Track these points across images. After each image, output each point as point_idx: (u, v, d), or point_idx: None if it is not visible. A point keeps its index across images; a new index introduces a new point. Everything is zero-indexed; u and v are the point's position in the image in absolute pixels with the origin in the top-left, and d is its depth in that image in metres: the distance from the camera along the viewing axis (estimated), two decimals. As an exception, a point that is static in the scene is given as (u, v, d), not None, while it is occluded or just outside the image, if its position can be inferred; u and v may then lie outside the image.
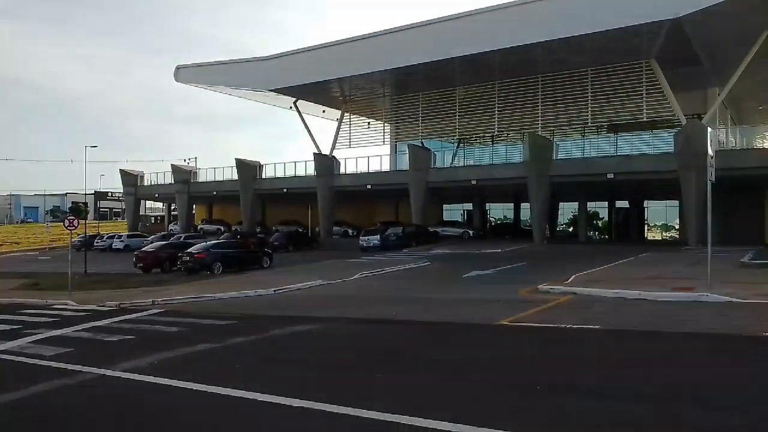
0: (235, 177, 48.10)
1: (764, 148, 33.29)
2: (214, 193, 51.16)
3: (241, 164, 47.74)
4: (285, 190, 46.05)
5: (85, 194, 50.75)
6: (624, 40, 29.84)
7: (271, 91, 42.94)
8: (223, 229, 49.42)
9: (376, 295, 16.27)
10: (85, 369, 8.12)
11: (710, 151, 13.87)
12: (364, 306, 14.18)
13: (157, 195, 59.07)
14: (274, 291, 17.97)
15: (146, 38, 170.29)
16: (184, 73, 46.17)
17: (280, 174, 47.49)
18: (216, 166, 53.89)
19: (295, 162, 46.89)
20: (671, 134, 31.68)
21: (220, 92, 48.52)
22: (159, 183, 55.65)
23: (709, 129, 18.36)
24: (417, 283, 18.90)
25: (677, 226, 41.29)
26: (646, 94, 32.52)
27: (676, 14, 26.41)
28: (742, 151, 31.27)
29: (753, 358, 7.69)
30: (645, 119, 33.39)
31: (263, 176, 48.21)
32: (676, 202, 36.39)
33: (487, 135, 42.19)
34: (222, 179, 50.46)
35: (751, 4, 25.46)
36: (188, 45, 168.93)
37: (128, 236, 47.23)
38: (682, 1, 26.25)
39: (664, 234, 46.81)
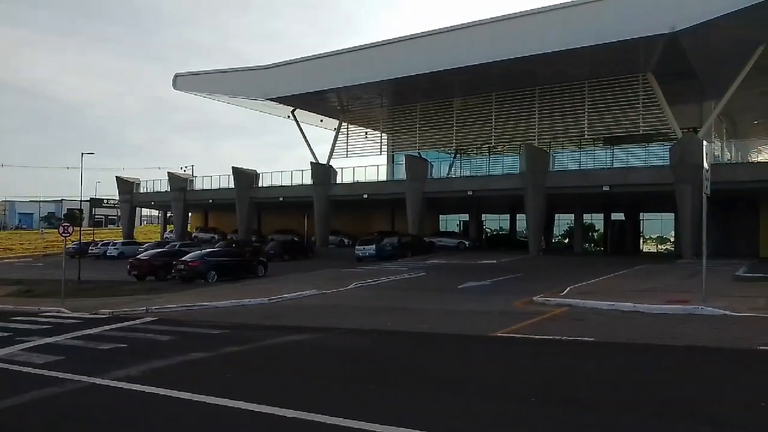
0: (232, 185, 48.06)
1: (759, 161, 33.52)
2: (210, 201, 51.11)
3: (237, 172, 47.71)
4: (281, 199, 46.03)
5: (81, 201, 50.47)
6: (621, 54, 30.03)
7: (269, 100, 43.00)
8: (217, 237, 49.30)
9: (371, 305, 16.20)
10: (76, 378, 8.04)
11: (705, 165, 13.93)
12: (358, 316, 14.11)
13: (153, 203, 58.93)
14: (269, 300, 17.89)
15: (146, 47, 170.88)
16: (183, 82, 46.25)
17: (276, 183, 47.48)
18: (213, 174, 53.93)
19: (291, 171, 46.92)
20: (667, 147, 31.81)
21: (218, 101, 48.57)
22: (155, 191, 55.56)
23: (705, 142, 18.46)
24: (412, 293, 18.85)
25: (672, 239, 41.36)
26: (643, 106, 32.69)
27: (672, 28, 26.62)
28: (737, 164, 31.46)
29: (750, 372, 7.66)
30: (641, 132, 33.52)
31: (260, 185, 48.20)
32: (671, 215, 36.48)
33: (484, 146, 42.28)
34: (218, 187, 50.40)
35: (745, 19, 25.66)
36: (187, 54, 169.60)
37: (123, 243, 47.08)
38: (679, 15, 26.46)
39: (659, 246, 46.87)
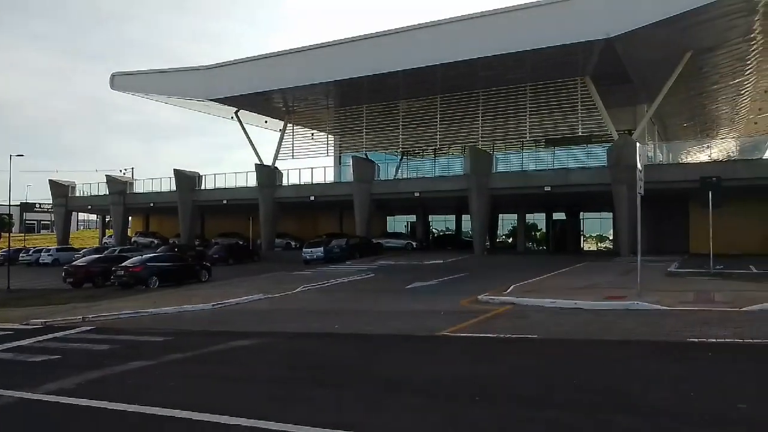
0: (174, 188, 46.79)
1: (688, 162, 35.26)
2: (152, 204, 49.57)
3: (179, 175, 46.49)
4: (225, 202, 45.15)
5: (10, 206, 47.87)
6: (560, 58, 30.99)
7: (212, 100, 42.09)
8: (156, 241, 47.88)
9: (319, 308, 16.10)
10: (5, 393, 7.60)
11: (639, 166, 14.53)
12: (305, 320, 13.99)
13: (90, 206, 56.65)
14: (213, 305, 17.49)
15: (80, 44, 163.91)
16: (121, 81, 44.65)
17: (220, 185, 46.54)
18: (154, 176, 52.33)
19: (236, 173, 46.10)
20: (605, 149, 33.05)
21: (158, 101, 47.19)
22: (93, 194, 53.41)
23: (638, 144, 19.26)
24: (360, 295, 18.84)
25: (611, 237, 42.96)
26: (581, 109, 33.82)
27: (608, 34, 27.67)
28: (669, 165, 32.98)
29: (679, 362, 8.02)
30: (580, 134, 34.68)
31: (203, 187, 47.14)
32: (609, 214, 37.89)
33: (430, 148, 42.76)
34: (160, 190, 48.99)
35: (674, 27, 26.99)
36: (126, 53, 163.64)
37: (57, 250, 45.00)
38: (614, 22, 27.54)
39: (599, 244, 48.58)
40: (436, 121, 39.16)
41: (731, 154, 37.28)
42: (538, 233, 50.77)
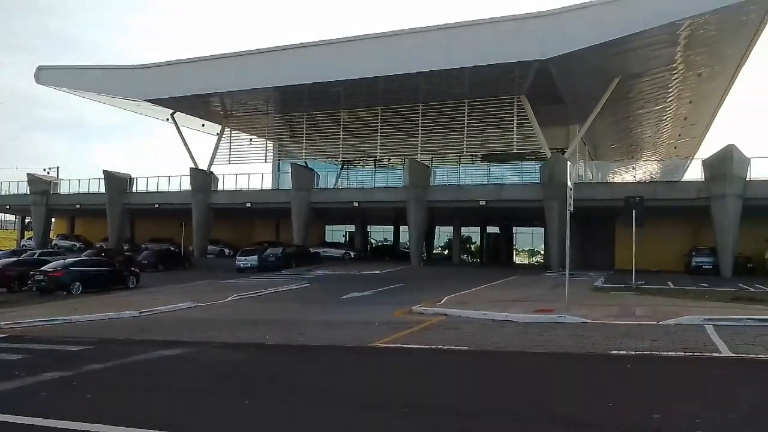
0: (103, 190, 44.85)
1: (615, 182, 36.97)
2: (78, 206, 47.30)
3: (109, 176, 44.65)
4: (157, 206, 43.65)
5: None
6: (498, 76, 31.91)
7: (147, 101, 40.73)
8: (79, 245, 45.68)
9: (251, 317, 15.76)
10: None
11: (569, 183, 15.11)
12: (236, 329, 13.65)
13: (8, 206, 53.40)
14: (140, 313, 16.81)
15: (1, 34, 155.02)
16: (48, 75, 42.48)
17: (152, 188, 45.02)
18: (82, 177, 49.95)
19: (169, 176, 44.67)
20: (538, 166, 34.20)
21: (89, 99, 45.22)
22: (12, 193, 50.40)
23: (569, 163, 20.06)
24: (294, 305, 18.59)
25: (542, 251, 44.39)
26: (517, 127, 34.85)
27: (543, 55, 28.76)
28: (598, 184, 34.47)
29: (601, 374, 8.34)
30: (515, 151, 35.74)
31: (134, 190, 45.41)
32: (541, 229, 39.15)
33: (370, 158, 42.94)
34: (87, 191, 46.83)
35: (603, 53, 28.39)
36: (55, 46, 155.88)
37: (-31, 252, 42.10)
38: (549, 44, 28.64)
39: (531, 258, 50.15)
40: (377, 132, 39.38)
41: (654, 176, 39.38)
42: (473, 246, 51.89)
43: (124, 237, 45.98)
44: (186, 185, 42.54)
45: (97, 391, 7.85)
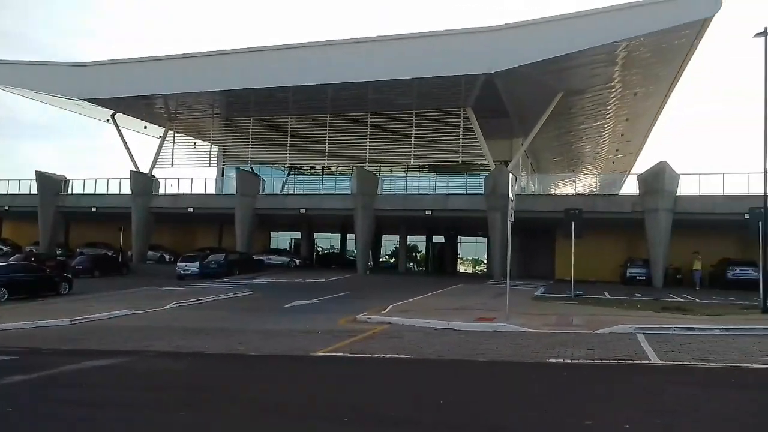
0: (35, 191, 42.78)
1: (556, 194, 38.17)
2: (6, 208, 44.93)
3: (42, 177, 42.68)
4: (94, 209, 42.00)
5: None
6: (445, 88, 32.47)
7: (86, 100, 39.24)
8: (6, 248, 43.39)
9: (190, 326, 15.32)
10: None
11: (511, 195, 15.47)
12: (174, 338, 13.24)
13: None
14: (71, 321, 16.06)
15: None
16: (-24, 69, 40.34)
17: (89, 191, 43.27)
18: (11, 178, 47.48)
19: (108, 179, 43.12)
20: (482, 177, 34.91)
21: (21, 96, 43.15)
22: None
23: (511, 175, 20.55)
24: (235, 313, 18.20)
25: (486, 261, 45.24)
26: (463, 138, 35.51)
27: (489, 70, 29.48)
28: (539, 196, 35.47)
29: (538, 382, 8.53)
30: (461, 162, 36.39)
31: (69, 192, 43.53)
32: (485, 239, 39.92)
33: (318, 165, 42.73)
34: (17, 193, 44.56)
35: (548, 70, 29.37)
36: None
37: None
38: (495, 59, 29.38)
39: (474, 267, 51.03)
40: (325, 139, 39.27)
41: (593, 189, 40.87)
42: (418, 254, 52.38)
43: (57, 241, 43.96)
44: (126, 188, 41.16)
45: (20, 404, 7.43)
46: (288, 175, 44.63)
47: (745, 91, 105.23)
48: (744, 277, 27.88)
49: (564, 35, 28.26)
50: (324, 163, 41.42)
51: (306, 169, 45.09)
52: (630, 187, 35.51)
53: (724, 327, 13.03)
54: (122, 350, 11.58)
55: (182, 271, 32.74)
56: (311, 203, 38.01)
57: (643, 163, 56.18)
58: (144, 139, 47.77)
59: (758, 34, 17.15)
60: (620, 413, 6.60)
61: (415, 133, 36.90)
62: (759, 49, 17.21)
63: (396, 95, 34.50)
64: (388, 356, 10.48)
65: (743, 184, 29.78)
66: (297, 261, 41.59)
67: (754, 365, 9.32)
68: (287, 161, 41.42)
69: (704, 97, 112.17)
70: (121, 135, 42.78)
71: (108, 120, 43.10)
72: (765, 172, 17.43)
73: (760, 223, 17.29)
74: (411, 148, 37.11)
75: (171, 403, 7.42)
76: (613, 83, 33.60)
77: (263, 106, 38.38)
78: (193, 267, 32.97)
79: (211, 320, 16.48)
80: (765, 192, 17.67)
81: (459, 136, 35.53)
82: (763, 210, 17.34)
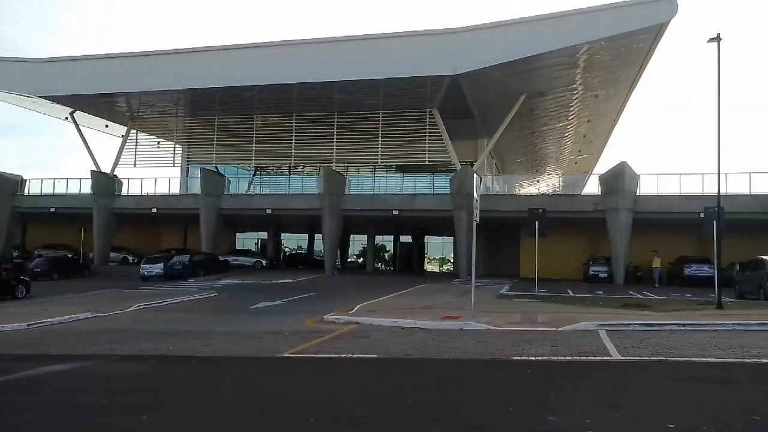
0: (-12, 191, 41.40)
1: (520, 194, 38.76)
2: (-43, 209, 43.25)
3: (-3, 177, 41.29)
4: (53, 210, 40.86)
5: None
6: (412, 89, 32.65)
7: (43, 98, 38.11)
8: None
9: (154, 328, 15.05)
10: None
11: (476, 195, 15.70)
12: (137, 341, 12.99)
13: None
14: (28, 325, 15.60)
15: None
16: None
17: (48, 191, 42.04)
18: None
19: (67, 179, 42.03)
20: (448, 178, 35.23)
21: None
22: None
23: (476, 175, 20.85)
24: (200, 315, 17.97)
25: (452, 260, 45.65)
26: (429, 139, 35.77)
27: (454, 71, 29.76)
28: (504, 196, 35.97)
29: (503, 381, 8.67)
30: (427, 162, 36.64)
31: (26, 192, 42.23)
32: (451, 238, 40.27)
33: (284, 164, 42.43)
34: (-31, 193, 42.99)
35: (510, 71, 29.81)
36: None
37: None
38: (460, 61, 29.67)
39: (441, 267, 51.43)
40: (292, 139, 39.04)
41: (556, 189, 41.65)
42: (386, 254, 52.51)
43: (14, 243, 42.59)
44: (87, 189, 40.14)
45: (-25, 411, 7.20)
46: (254, 175, 44.20)
47: (701, 93, 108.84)
48: (699, 274, 28.88)
49: (527, 38, 28.74)
50: (290, 163, 41.17)
51: (272, 169, 44.72)
52: (592, 187, 36.38)
53: (680, 323, 13.46)
54: (82, 354, 11.31)
55: (146, 273, 32.14)
56: (278, 203, 37.74)
57: (605, 164, 57.67)
58: (106, 138, 46.70)
59: (711, 40, 17.75)
60: (583, 408, 6.76)
61: (383, 134, 36.99)
62: (713, 53, 17.81)
63: (363, 95, 34.52)
64: (355, 356, 10.50)
65: (699, 184, 30.82)
66: (263, 262, 41.25)
67: (709, 359, 9.66)
68: (253, 161, 41.03)
69: (662, 99, 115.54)
70: (81, 134, 41.69)
71: (67, 118, 41.95)
72: (718, 173, 18.08)
73: (714, 222, 17.92)
74: (378, 148, 37.18)
75: (132, 407, 7.29)
76: (575, 85, 34.32)
77: (228, 104, 37.92)
78: (157, 268, 32.41)
79: (176, 322, 16.23)
80: (718, 191, 18.33)
81: (425, 136, 35.77)
82: (716, 209, 17.98)
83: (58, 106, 40.05)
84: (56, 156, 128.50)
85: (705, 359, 9.65)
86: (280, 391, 8.14)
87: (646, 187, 32.11)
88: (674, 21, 26.53)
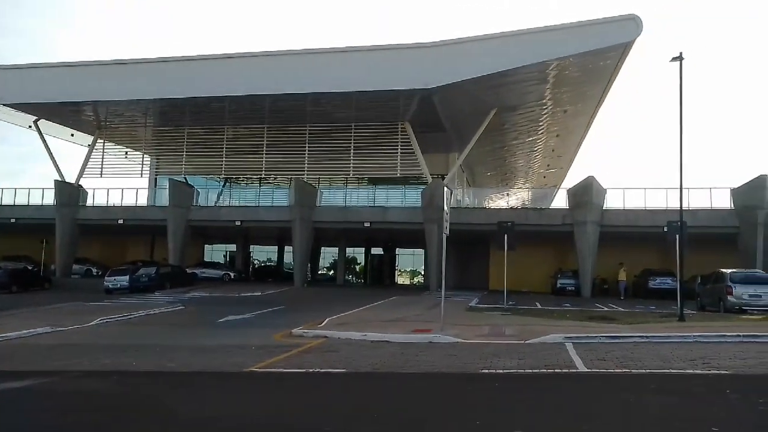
0: (-57, 202, 40.08)
1: (490, 208, 39.20)
2: None
3: (-46, 187, 39.93)
4: (14, 221, 39.73)
5: None
6: (384, 102, 32.80)
7: (5, 105, 37.15)
8: None
9: (117, 343, 14.66)
10: None
11: (446, 208, 15.76)
12: (99, 356, 12.61)
13: None
14: (-16, 340, 15.04)
15: None
16: None
17: (8, 201, 40.89)
18: None
19: (29, 188, 40.95)
20: (420, 190, 35.39)
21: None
22: None
23: (447, 188, 20.99)
24: (165, 329, 17.58)
25: (423, 272, 45.76)
26: (401, 152, 35.92)
27: (426, 85, 30.03)
28: (474, 209, 36.34)
29: (471, 394, 8.67)
30: (399, 175, 36.77)
31: (-16, 203, 41.02)
32: (422, 251, 40.41)
33: (254, 176, 42.08)
34: (-77, 203, 41.62)
35: (483, 86, 30.23)
36: None
37: None
38: (432, 75, 29.96)
39: (412, 279, 51.50)
40: (263, 150, 38.75)
41: (525, 203, 42.25)
42: (357, 266, 52.37)
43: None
44: (49, 199, 39.14)
45: None
46: (223, 186, 43.72)
47: (667, 109, 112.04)
48: (663, 287, 29.53)
49: (498, 53, 29.21)
50: (261, 175, 40.85)
51: (242, 181, 44.30)
52: (560, 200, 36.99)
53: (644, 335, 13.69)
54: (41, 371, 10.92)
55: (110, 285, 31.40)
56: (247, 215, 37.37)
57: (573, 178, 58.53)
58: (71, 148, 45.71)
59: (674, 59, 18.29)
60: (550, 420, 6.79)
61: (354, 146, 37.01)
62: (677, 71, 18.34)
63: (335, 108, 34.54)
64: (323, 370, 10.38)
65: (663, 198, 31.60)
66: (232, 274, 40.72)
67: (671, 371, 9.83)
68: (223, 172, 40.59)
69: (629, 114, 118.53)
70: (45, 143, 40.71)
71: (30, 126, 40.94)
72: (680, 188, 18.55)
73: (677, 236, 18.36)
74: (350, 160, 37.17)
75: (91, 426, 7.06)
76: (544, 100, 34.96)
77: (198, 115, 37.52)
78: (123, 281, 31.70)
79: (141, 336, 15.84)
80: (681, 206, 18.79)
81: (397, 149, 35.92)
82: (679, 223, 18.42)
83: (21, 114, 39.07)
84: (25, 165, 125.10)
85: (667, 371, 9.82)
86: (246, 407, 7.99)
87: (612, 201, 32.82)
88: (640, 39, 27.38)
